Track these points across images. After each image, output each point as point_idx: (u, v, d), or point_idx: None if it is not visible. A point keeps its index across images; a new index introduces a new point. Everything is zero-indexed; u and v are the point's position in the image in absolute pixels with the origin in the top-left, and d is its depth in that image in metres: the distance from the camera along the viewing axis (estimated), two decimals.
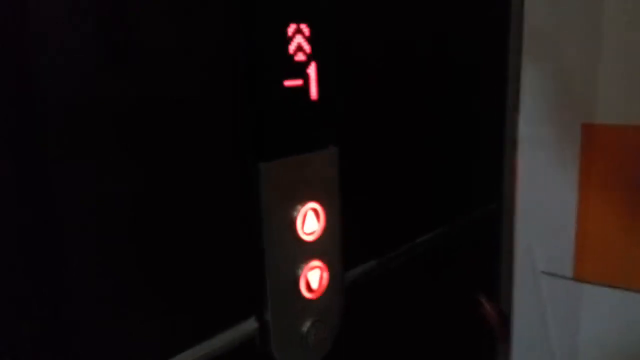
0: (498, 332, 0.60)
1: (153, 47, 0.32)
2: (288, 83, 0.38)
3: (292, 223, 0.41)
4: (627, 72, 0.44)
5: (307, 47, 0.39)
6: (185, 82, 0.34)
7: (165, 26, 0.33)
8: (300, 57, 0.39)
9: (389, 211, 0.51)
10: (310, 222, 0.42)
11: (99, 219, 0.31)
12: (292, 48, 0.38)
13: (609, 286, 0.48)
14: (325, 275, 0.43)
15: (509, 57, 0.50)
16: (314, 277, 0.43)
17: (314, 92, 0.40)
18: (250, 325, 0.40)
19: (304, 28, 0.38)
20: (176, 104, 0.34)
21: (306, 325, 0.43)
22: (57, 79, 0.29)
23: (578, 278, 0.49)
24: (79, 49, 0.29)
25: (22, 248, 0.29)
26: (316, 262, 0.43)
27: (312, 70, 0.40)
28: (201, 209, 0.37)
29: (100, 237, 0.32)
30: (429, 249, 0.56)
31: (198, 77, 0.35)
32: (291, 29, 0.38)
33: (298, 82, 0.39)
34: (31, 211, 0.29)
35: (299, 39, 0.38)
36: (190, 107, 0.35)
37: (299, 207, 0.41)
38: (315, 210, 0.42)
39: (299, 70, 0.39)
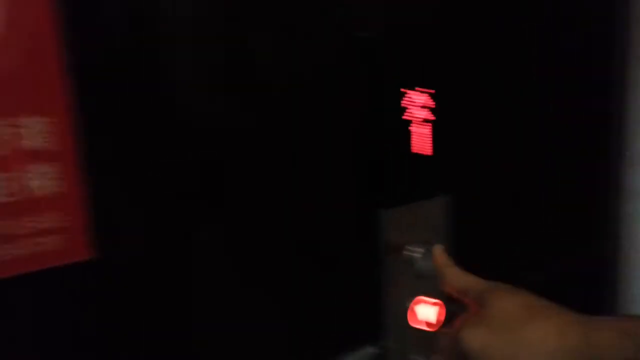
0: None
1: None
2: (407, 142, 0.45)
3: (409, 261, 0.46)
4: None
5: (424, 111, 0.46)
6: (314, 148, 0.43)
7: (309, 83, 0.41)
8: (417, 119, 0.46)
9: (500, 251, 0.54)
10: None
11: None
12: (411, 113, 0.45)
13: None
14: (442, 310, 0.48)
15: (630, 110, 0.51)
16: (430, 311, 0.47)
17: (428, 149, 0.46)
18: (368, 351, 0.46)
19: (422, 94, 0.45)
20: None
21: (421, 357, 0.47)
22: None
23: None
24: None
25: None
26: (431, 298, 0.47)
27: (427, 130, 0.46)
28: (331, 249, 0.44)
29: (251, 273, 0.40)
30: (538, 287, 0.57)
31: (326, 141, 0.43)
32: (411, 95, 0.45)
33: (415, 141, 0.46)
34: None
35: (417, 105, 0.45)
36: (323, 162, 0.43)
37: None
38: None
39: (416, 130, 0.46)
